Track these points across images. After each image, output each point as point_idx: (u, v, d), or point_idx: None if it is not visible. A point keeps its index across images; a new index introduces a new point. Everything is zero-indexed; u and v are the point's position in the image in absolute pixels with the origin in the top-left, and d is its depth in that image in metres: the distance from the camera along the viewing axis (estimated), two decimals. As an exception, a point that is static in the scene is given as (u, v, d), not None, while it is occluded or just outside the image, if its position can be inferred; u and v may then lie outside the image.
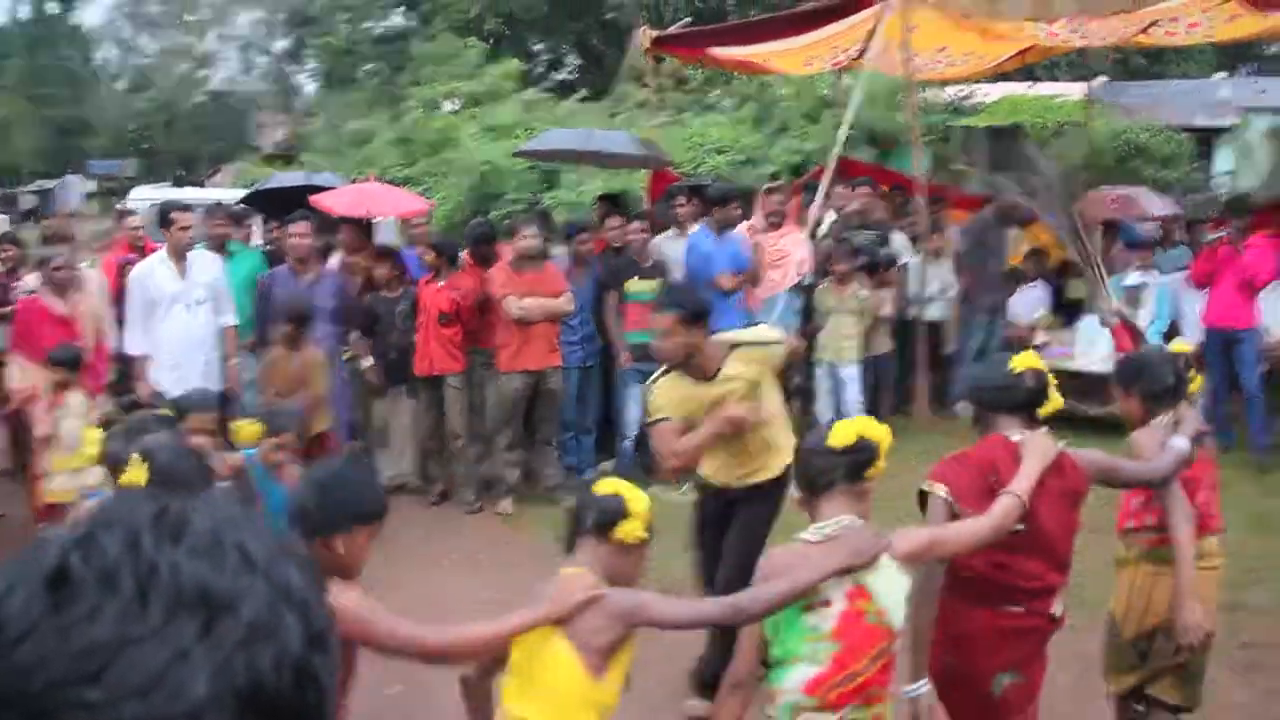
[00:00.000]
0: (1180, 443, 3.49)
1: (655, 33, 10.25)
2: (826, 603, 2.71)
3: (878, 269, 8.20)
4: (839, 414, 8.04)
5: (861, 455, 2.84)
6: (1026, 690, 3.26)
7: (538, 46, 39.32)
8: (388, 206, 9.02)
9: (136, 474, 3.08)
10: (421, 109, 24.63)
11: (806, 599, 2.69)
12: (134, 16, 66.73)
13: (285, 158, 32.72)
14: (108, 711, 0.66)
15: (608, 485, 2.90)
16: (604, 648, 2.65)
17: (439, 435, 7.40)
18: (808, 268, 8.04)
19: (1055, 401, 3.40)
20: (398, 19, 42.62)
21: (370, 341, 7.48)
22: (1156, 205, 10.76)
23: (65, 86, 50.88)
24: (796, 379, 8.76)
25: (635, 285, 7.44)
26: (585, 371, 7.47)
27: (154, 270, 6.82)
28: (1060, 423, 8.64)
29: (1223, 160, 20.93)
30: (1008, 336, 9.56)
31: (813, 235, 8.27)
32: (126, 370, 6.80)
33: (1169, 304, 9.31)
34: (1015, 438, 3.23)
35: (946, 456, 3.32)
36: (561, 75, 40.11)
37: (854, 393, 8.06)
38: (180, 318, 6.74)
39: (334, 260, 8.02)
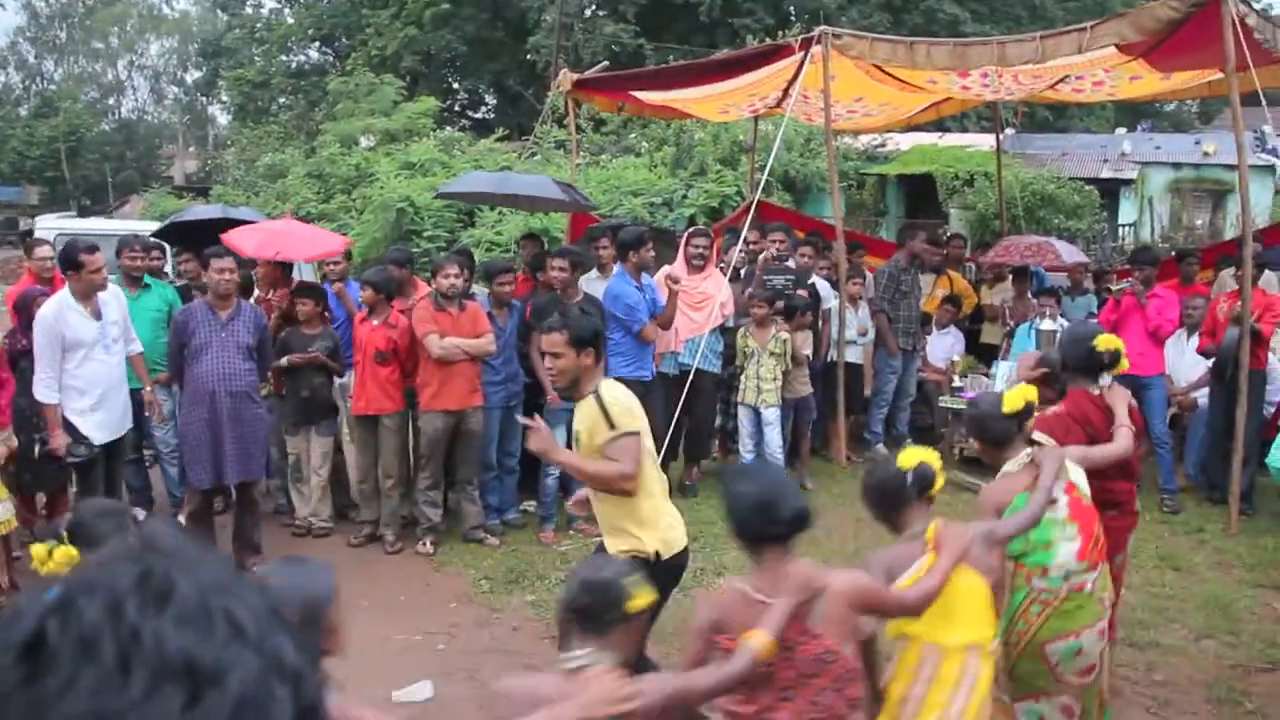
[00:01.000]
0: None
1: (576, 75, 10.31)
2: (1054, 501, 3.71)
3: (795, 313, 8.30)
4: (759, 455, 8.10)
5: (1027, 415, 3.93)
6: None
7: (455, 85, 39.37)
8: (301, 249, 8.69)
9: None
10: (338, 144, 24.42)
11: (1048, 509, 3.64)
12: (38, 41, 65.25)
13: (197, 189, 32.20)
14: None
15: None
16: None
17: (373, 476, 7.31)
18: (729, 310, 8.11)
19: (1123, 364, 4.44)
20: (313, 54, 42.41)
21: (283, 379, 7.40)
22: (1067, 254, 11.07)
23: (-36, 111, 49.32)
24: (719, 419, 8.82)
25: (560, 325, 7.43)
26: (508, 411, 7.43)
27: (64, 314, 6.32)
28: (978, 464, 8.82)
29: (1125, 212, 21.67)
30: (923, 379, 9.77)
31: (734, 278, 8.34)
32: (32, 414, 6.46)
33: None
34: (1095, 391, 4.40)
35: (1046, 414, 4.31)
36: (479, 114, 40.19)
37: (775, 435, 8.13)
38: (100, 360, 6.47)
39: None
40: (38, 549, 3.14)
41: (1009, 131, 22.61)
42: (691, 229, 8.38)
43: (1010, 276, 10.54)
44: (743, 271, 8.61)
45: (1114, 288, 8.24)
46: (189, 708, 0.63)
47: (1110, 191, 21.06)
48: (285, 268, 8.26)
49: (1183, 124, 34.52)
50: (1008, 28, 27.55)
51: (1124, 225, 21.17)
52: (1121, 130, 26.00)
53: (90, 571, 0.72)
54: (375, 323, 7.21)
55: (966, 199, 18.92)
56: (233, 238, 7.89)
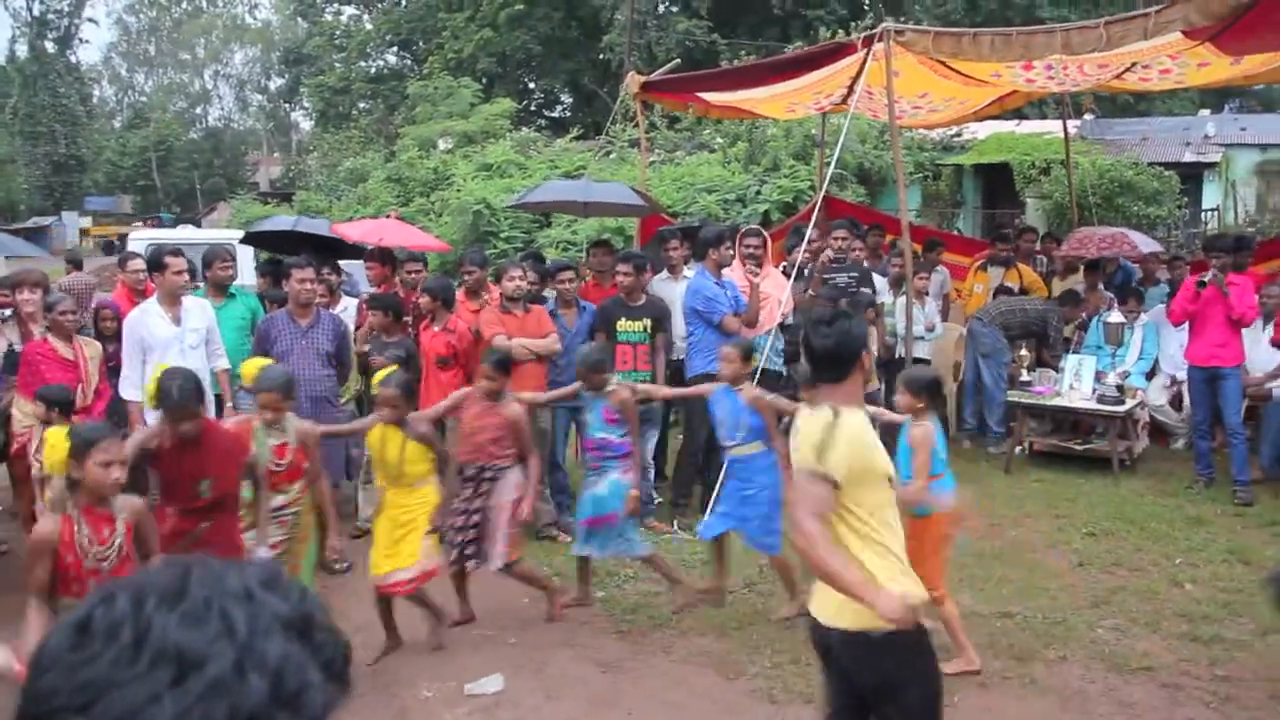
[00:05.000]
0: None
1: (643, 78, 10.45)
2: None
3: (857, 310, 8.33)
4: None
5: None
6: None
7: (531, 85, 39.75)
8: (403, 238, 9.40)
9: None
10: (416, 147, 24.83)
11: None
12: (130, 55, 67.26)
13: (281, 195, 32.95)
14: None
15: None
16: None
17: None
18: (789, 308, 8.17)
19: None
20: (391, 58, 43.12)
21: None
22: (1143, 245, 10.95)
23: (62, 124, 51.06)
24: (785, 419, 8.88)
25: (624, 326, 7.59)
26: (575, 410, 7.60)
27: (147, 316, 6.89)
28: (1048, 458, 8.77)
29: (1209, 196, 21.18)
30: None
31: (799, 276, 8.40)
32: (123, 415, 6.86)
33: (1153, 341, 9.49)
34: None
35: None
36: (555, 113, 40.51)
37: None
38: (175, 362, 6.82)
39: (344, 301, 8.30)
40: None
41: (1087, 117, 22.25)
42: (745, 228, 8.43)
43: (1082, 268, 10.45)
44: (806, 270, 8.67)
45: (1204, 278, 8.10)
46: (174, 684, 0.83)
47: (1193, 176, 20.59)
48: (391, 267, 8.79)
49: (1274, 103, 33.48)
50: (1085, 10, 27.05)
51: (1207, 210, 20.69)
52: (1205, 112, 25.39)
53: (138, 574, 0.94)
54: (436, 329, 7.42)
55: (1043, 188, 18.66)
56: (341, 227, 8.56)
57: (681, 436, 8.13)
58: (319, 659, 0.91)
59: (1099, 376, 8.78)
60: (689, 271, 8.37)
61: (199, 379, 4.92)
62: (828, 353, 3.30)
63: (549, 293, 8.36)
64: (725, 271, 7.90)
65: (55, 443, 3.94)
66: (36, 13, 53.59)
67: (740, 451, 5.94)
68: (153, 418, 6.64)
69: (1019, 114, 19.90)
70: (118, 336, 7.16)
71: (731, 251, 7.98)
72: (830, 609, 3.24)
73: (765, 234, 8.29)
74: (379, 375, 5.66)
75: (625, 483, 5.95)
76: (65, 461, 3.87)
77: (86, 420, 6.31)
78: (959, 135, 20.51)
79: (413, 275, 8.55)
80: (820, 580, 3.23)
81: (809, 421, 3.31)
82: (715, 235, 7.98)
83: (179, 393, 4.58)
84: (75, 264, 14.77)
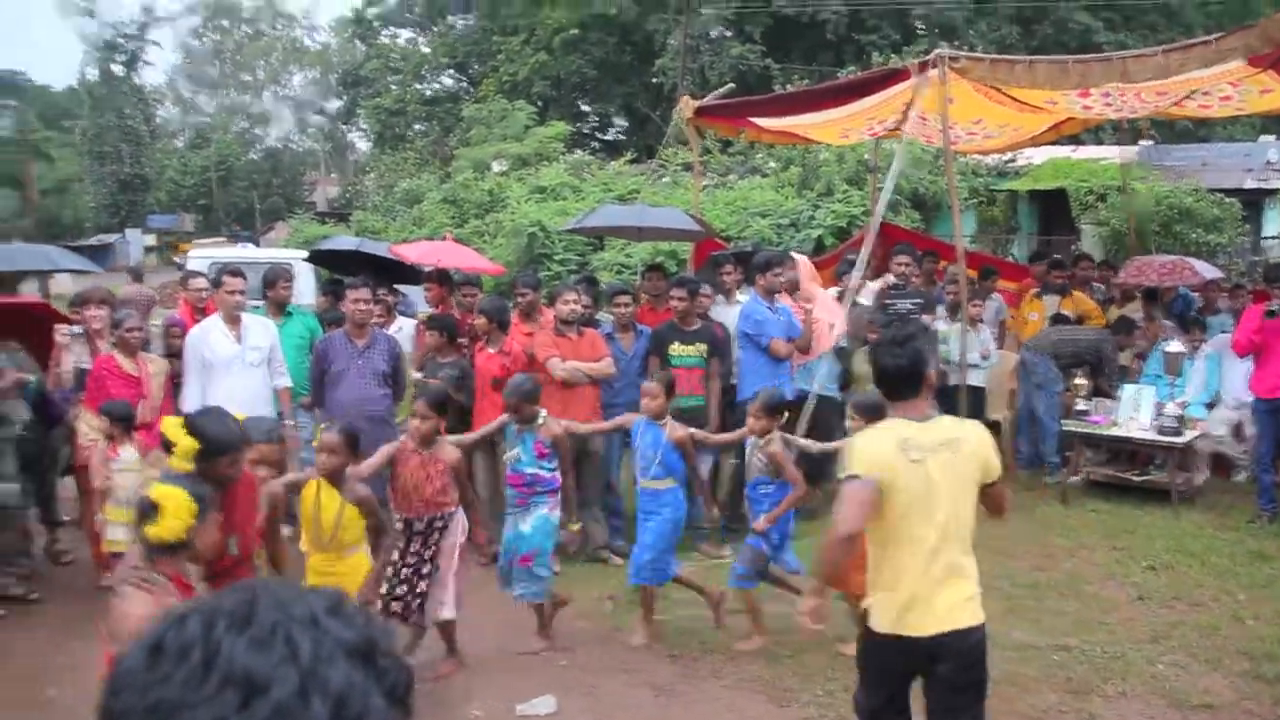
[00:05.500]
0: None
1: (696, 103, 10.50)
2: None
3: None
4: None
5: None
6: None
7: (585, 108, 40.01)
8: (458, 260, 9.54)
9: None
10: (471, 169, 25.05)
11: None
12: (193, 76, 68.56)
13: (339, 215, 33.39)
14: None
15: None
16: None
17: (499, 498, 7.58)
18: (839, 331, 8.15)
19: None
20: (448, 80, 43.60)
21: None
22: (1205, 271, 10.79)
23: (127, 143, 52.10)
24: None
25: (678, 350, 7.61)
26: (628, 435, 7.62)
27: (208, 334, 7.10)
28: (1105, 489, 8.65)
29: (1271, 223, 20.82)
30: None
31: (854, 303, 8.39)
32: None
33: (1215, 372, 9.33)
34: None
35: None
36: (609, 137, 40.73)
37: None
38: (237, 378, 7.02)
39: (399, 321, 8.44)
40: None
41: (1146, 143, 21.97)
42: (774, 255, 8.41)
43: (1140, 296, 10.33)
44: (860, 297, 8.65)
45: (1272, 307, 7.99)
46: (241, 707, 0.86)
47: (1253, 203, 20.24)
48: (449, 288, 8.93)
49: (1340, 129, 32.89)
50: (1143, 36, 26.78)
51: (1269, 238, 20.33)
52: (1267, 137, 24.96)
53: (209, 597, 0.98)
54: (491, 350, 7.48)
55: (1100, 214, 18.44)
56: (399, 249, 8.69)
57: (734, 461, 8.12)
58: (382, 685, 0.94)
59: (1158, 407, 8.66)
60: (742, 296, 8.41)
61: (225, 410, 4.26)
62: (901, 371, 3.55)
63: (602, 316, 8.42)
64: (781, 297, 7.92)
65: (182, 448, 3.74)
66: (106, 37, 54.84)
67: (650, 485, 5.94)
68: None
69: (1075, 140, 19.71)
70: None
71: (780, 277, 7.98)
72: (940, 613, 3.48)
73: (790, 261, 8.29)
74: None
75: (553, 519, 5.81)
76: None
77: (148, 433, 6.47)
78: (1014, 161, 20.33)
79: (468, 299, 8.65)
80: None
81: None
82: (764, 261, 8.02)
83: (229, 429, 3.98)
84: (136, 277, 15.22)
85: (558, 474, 5.85)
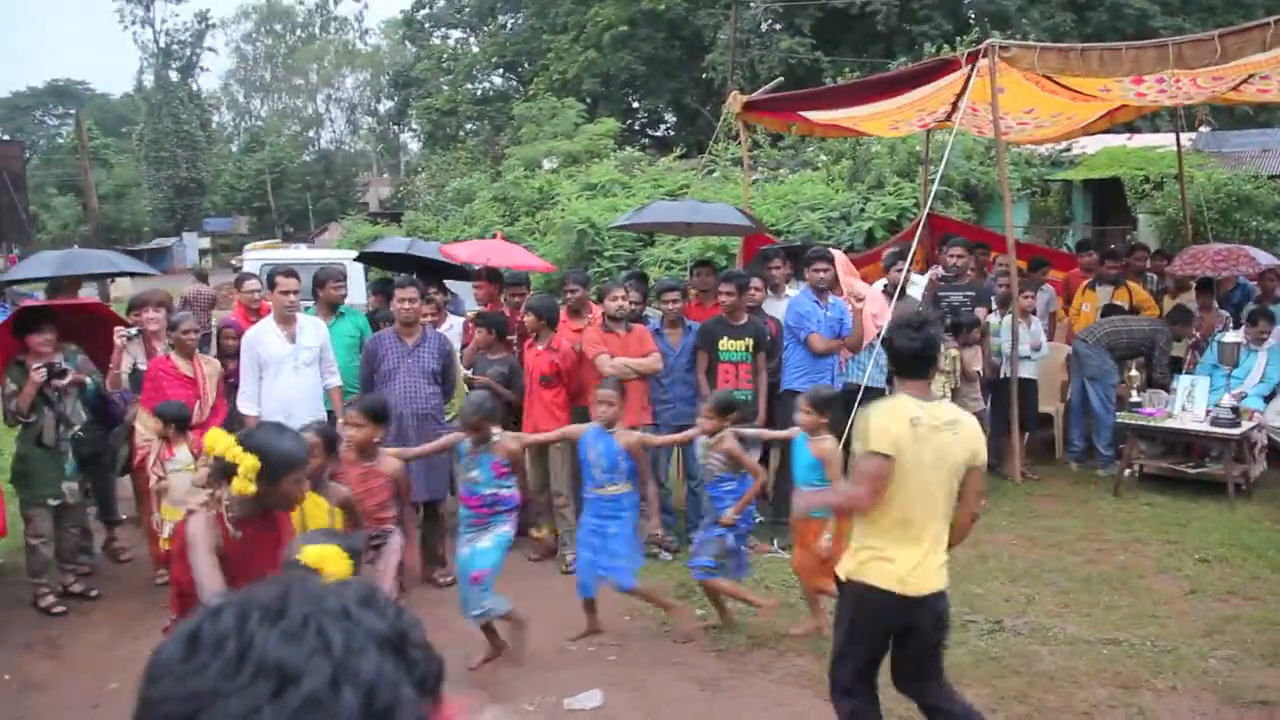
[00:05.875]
0: None
1: (745, 98, 10.49)
2: None
3: (962, 329, 8.26)
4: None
5: None
6: None
7: (635, 105, 40.07)
8: (508, 258, 9.61)
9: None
10: (521, 167, 25.18)
11: None
12: (247, 81, 69.56)
13: (391, 215, 33.72)
14: None
15: None
16: None
17: (547, 495, 7.63)
18: (882, 320, 8.08)
19: None
20: (498, 80, 43.88)
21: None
22: (1263, 259, 10.58)
23: (183, 149, 53.02)
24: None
25: (726, 345, 7.61)
26: (678, 429, 7.63)
27: (263, 334, 7.22)
28: (1159, 482, 8.54)
29: (1333, 211, 20.32)
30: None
31: (901, 295, 8.34)
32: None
33: (1276, 364, 9.14)
34: None
35: None
36: (659, 132, 40.76)
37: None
38: (289, 378, 7.13)
39: (449, 320, 8.51)
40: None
41: (1203, 130, 21.57)
42: (811, 251, 8.32)
43: (1194, 286, 10.16)
44: (909, 289, 8.60)
45: None
46: (273, 697, 0.88)
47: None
48: (498, 285, 9.01)
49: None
50: (1200, 19, 26.30)
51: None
52: (1331, 122, 24.42)
53: (245, 591, 0.99)
54: (540, 348, 7.52)
55: (1156, 203, 18.13)
56: (449, 249, 8.80)
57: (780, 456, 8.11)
58: (413, 675, 0.95)
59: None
60: (791, 290, 8.38)
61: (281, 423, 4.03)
62: (914, 353, 3.91)
63: (651, 312, 8.43)
64: (835, 291, 7.89)
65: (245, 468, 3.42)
66: (162, 44, 55.80)
67: (608, 491, 5.90)
68: None
69: (1130, 128, 19.39)
70: (239, 354, 7.45)
71: (821, 273, 7.85)
72: (931, 576, 3.87)
73: (830, 257, 8.20)
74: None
75: (509, 536, 5.69)
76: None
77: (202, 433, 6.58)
78: (1068, 150, 20.04)
79: (517, 298, 8.70)
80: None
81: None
82: (805, 257, 8.02)
83: (294, 443, 3.60)
84: (200, 277, 15.63)
85: (516, 491, 5.71)
